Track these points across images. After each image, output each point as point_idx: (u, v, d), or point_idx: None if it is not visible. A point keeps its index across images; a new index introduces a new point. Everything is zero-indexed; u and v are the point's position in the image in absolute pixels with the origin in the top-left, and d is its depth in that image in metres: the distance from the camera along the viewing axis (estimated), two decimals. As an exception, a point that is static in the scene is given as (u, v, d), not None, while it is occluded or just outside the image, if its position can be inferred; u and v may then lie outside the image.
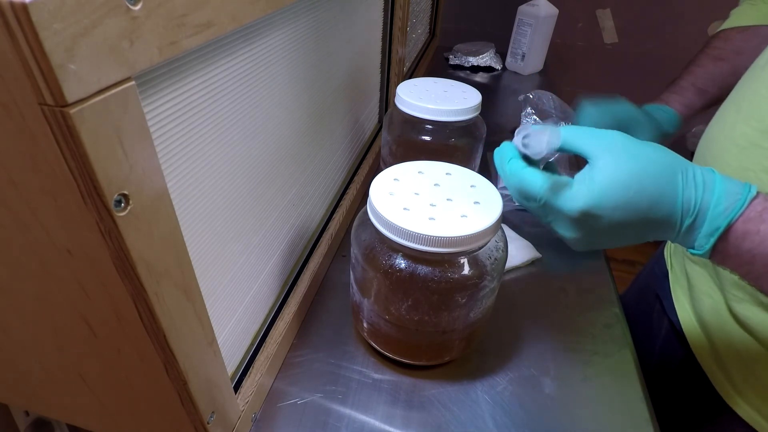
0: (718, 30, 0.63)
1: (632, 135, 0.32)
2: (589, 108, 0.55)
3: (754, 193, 0.29)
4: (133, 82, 0.19)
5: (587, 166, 0.31)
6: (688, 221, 0.30)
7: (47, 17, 0.15)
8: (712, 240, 0.29)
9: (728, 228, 0.29)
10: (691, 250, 0.31)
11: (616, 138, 0.31)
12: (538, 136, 0.32)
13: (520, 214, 0.65)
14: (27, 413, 0.49)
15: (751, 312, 0.43)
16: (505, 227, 0.59)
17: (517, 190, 0.33)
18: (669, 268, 0.60)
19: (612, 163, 0.29)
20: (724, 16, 0.64)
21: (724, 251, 0.30)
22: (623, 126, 0.55)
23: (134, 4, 0.18)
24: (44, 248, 0.22)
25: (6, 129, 0.17)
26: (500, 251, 0.39)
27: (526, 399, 0.42)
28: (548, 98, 0.78)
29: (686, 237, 0.31)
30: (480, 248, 0.37)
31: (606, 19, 1.47)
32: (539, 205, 0.32)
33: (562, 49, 1.48)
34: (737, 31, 0.60)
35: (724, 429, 0.48)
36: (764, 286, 0.30)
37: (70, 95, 0.16)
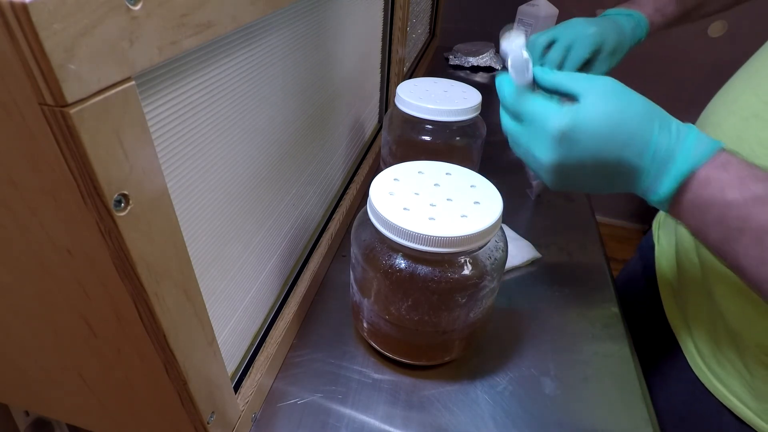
0: None
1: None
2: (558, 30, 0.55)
3: (721, 145, 0.30)
4: (133, 82, 0.19)
5: (577, 102, 0.33)
6: (656, 166, 0.31)
7: (47, 17, 0.15)
8: (676, 184, 0.30)
9: (691, 175, 0.30)
10: (654, 198, 0.32)
11: (607, 81, 0.33)
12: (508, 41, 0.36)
13: (520, 214, 0.65)
14: (27, 413, 0.49)
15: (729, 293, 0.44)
16: (505, 227, 0.59)
17: (513, 112, 0.36)
18: (656, 240, 0.60)
19: (600, 97, 0.32)
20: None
21: (683, 200, 0.31)
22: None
23: (134, 4, 0.18)
24: (44, 248, 0.22)
25: (6, 129, 0.17)
26: (500, 251, 0.39)
27: (526, 399, 0.42)
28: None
29: (652, 184, 0.32)
30: (480, 248, 0.37)
31: (606, 19, 1.47)
32: (527, 122, 0.34)
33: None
34: None
35: (704, 409, 0.49)
36: (710, 237, 0.31)
37: (70, 95, 0.16)
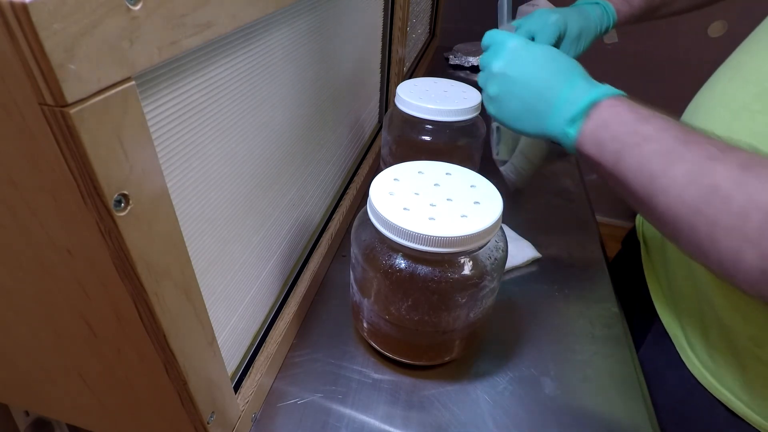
0: None
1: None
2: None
3: (623, 93, 0.36)
4: (133, 82, 0.19)
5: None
6: (568, 105, 0.37)
7: (47, 17, 0.15)
8: (579, 119, 0.36)
9: (591, 111, 0.35)
10: (567, 133, 0.37)
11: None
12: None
13: (520, 214, 0.65)
14: (27, 413, 0.49)
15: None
16: (505, 227, 0.59)
17: (486, 45, 0.45)
18: (641, 237, 0.60)
19: (537, 42, 0.44)
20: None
21: (584, 138, 0.36)
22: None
23: (134, 4, 0.18)
24: (44, 248, 0.22)
25: (6, 129, 0.17)
26: (500, 251, 0.39)
27: (526, 399, 0.42)
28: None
29: (562, 122, 0.37)
30: (480, 248, 0.37)
31: (606, 19, 1.47)
32: (494, 45, 0.43)
33: (562, 49, 1.48)
34: None
35: (697, 403, 0.49)
36: (605, 163, 0.35)
37: (70, 95, 0.16)
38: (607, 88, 0.36)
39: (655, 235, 0.56)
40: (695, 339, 0.47)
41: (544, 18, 0.53)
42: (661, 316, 0.53)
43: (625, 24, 0.61)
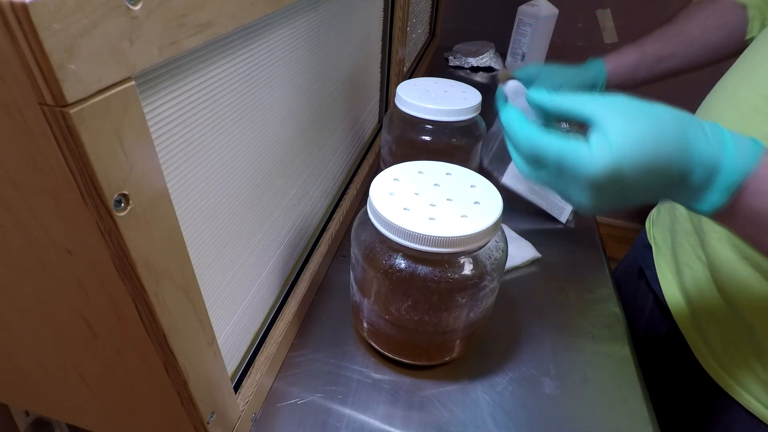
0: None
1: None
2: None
3: (761, 147, 0.28)
4: (133, 82, 0.19)
5: (594, 130, 0.29)
6: (703, 176, 0.29)
7: (47, 17, 0.15)
8: (727, 195, 0.28)
9: (741, 185, 0.28)
10: (700, 208, 0.30)
11: (619, 99, 0.29)
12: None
13: (520, 214, 0.65)
14: (27, 413, 0.49)
15: (735, 281, 0.44)
16: (505, 227, 0.59)
17: (530, 156, 0.31)
18: (651, 240, 0.60)
19: (624, 123, 0.28)
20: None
21: (732, 208, 0.29)
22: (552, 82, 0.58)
23: (134, 4, 0.18)
24: (44, 248, 0.22)
25: (6, 129, 0.17)
26: (500, 251, 0.39)
27: (526, 399, 0.42)
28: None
29: (698, 194, 0.29)
30: (480, 248, 0.37)
31: (606, 20, 1.47)
32: (554, 171, 0.30)
33: (562, 49, 1.48)
34: (697, 3, 0.62)
35: (708, 401, 0.49)
36: (764, 242, 0.30)
37: (70, 95, 0.16)
38: (743, 148, 0.28)
39: (666, 242, 0.56)
40: (715, 341, 0.47)
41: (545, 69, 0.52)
42: (677, 321, 0.52)
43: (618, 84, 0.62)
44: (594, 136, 0.28)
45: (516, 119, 0.32)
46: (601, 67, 0.61)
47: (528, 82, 0.53)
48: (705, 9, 0.59)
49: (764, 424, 0.43)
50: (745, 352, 0.44)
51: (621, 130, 0.27)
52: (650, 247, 0.60)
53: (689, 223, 0.50)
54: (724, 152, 0.28)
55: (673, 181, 0.29)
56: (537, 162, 0.31)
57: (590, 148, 0.28)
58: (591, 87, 0.60)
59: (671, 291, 0.54)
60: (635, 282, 0.63)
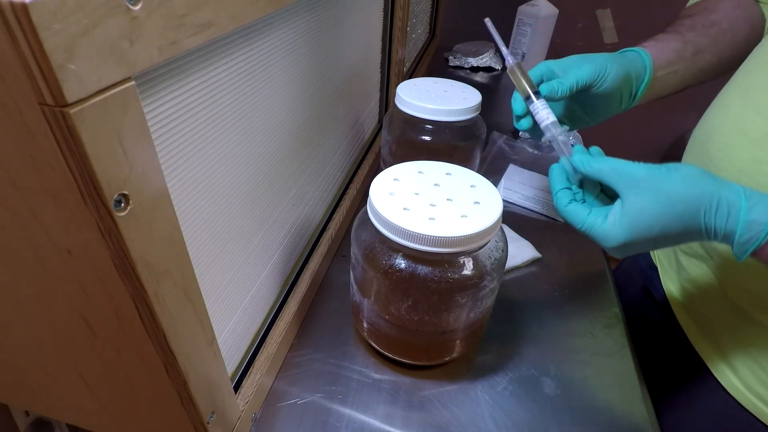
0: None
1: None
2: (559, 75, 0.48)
3: None
4: (133, 82, 0.19)
5: (618, 202, 0.35)
6: (719, 241, 0.33)
7: (47, 17, 0.15)
8: (745, 256, 0.32)
9: (756, 249, 0.32)
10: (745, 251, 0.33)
11: (639, 175, 0.34)
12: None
13: (520, 214, 0.65)
14: (27, 413, 0.49)
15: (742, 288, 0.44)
16: (505, 227, 0.59)
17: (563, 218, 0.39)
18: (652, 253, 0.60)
19: (637, 205, 0.33)
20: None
21: (758, 256, 0.32)
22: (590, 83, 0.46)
23: (134, 4, 0.18)
24: (44, 248, 0.22)
25: (6, 129, 0.17)
26: (500, 251, 0.39)
27: (526, 399, 0.42)
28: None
29: (723, 244, 0.34)
30: (480, 248, 0.37)
31: (606, 20, 1.47)
32: (582, 229, 0.37)
33: (562, 49, 1.47)
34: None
35: (702, 390, 0.49)
36: None
37: (70, 95, 0.16)
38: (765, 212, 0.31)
39: (669, 259, 0.56)
40: (737, 360, 0.46)
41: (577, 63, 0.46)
42: (691, 340, 0.51)
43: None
44: (611, 215, 0.35)
45: (555, 185, 0.39)
46: (645, 61, 0.48)
47: (548, 78, 0.46)
48: (725, 1, 0.52)
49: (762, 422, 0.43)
50: (742, 340, 0.44)
51: (633, 214, 0.34)
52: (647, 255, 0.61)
53: None
54: (735, 230, 0.32)
55: (689, 240, 0.34)
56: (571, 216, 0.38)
57: (604, 224, 0.35)
58: (633, 82, 0.48)
59: (672, 290, 0.54)
60: (635, 282, 0.63)
